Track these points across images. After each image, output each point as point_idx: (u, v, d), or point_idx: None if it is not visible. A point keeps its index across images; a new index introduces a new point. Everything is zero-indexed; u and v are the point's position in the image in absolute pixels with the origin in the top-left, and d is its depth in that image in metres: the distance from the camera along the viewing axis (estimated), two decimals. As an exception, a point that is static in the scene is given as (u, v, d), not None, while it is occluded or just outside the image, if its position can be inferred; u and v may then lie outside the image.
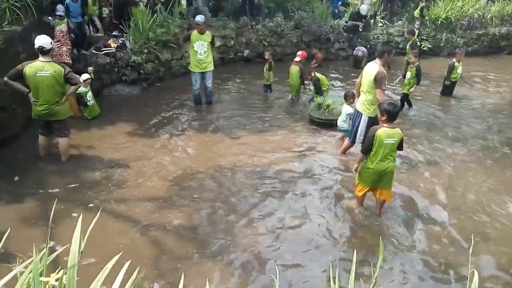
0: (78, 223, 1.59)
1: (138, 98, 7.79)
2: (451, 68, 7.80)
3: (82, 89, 6.27)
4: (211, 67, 7.26)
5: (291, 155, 5.84)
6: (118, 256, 1.59)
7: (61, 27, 6.81)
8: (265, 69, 8.04)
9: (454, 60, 7.87)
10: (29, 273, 1.43)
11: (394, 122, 4.10)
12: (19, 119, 5.82)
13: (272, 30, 10.35)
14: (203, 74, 7.23)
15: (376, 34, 11.38)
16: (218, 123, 6.90)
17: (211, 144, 6.14)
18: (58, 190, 4.72)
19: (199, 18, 6.90)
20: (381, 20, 11.94)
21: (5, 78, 4.83)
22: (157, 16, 8.58)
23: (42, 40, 4.81)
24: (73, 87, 5.11)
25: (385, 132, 4.04)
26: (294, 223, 4.36)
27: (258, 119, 7.13)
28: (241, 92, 8.51)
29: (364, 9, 11.01)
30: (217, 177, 5.21)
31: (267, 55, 8.08)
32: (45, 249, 1.51)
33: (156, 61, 8.41)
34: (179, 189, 4.92)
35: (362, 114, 5.22)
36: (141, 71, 8.02)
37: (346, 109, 5.99)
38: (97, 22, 9.26)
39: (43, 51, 4.82)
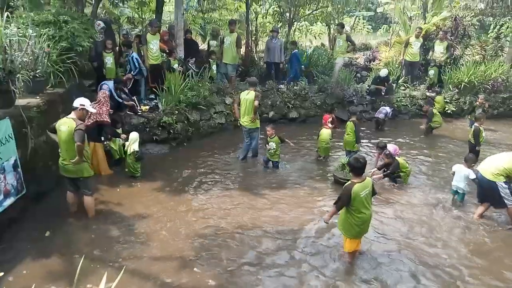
0: (102, 283, 1.65)
1: (167, 157, 8.06)
2: (477, 133, 7.74)
3: (136, 146, 6.81)
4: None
5: (314, 216, 5.81)
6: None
7: (105, 90, 7.32)
8: (273, 144, 7.38)
9: (476, 124, 7.84)
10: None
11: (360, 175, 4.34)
12: (53, 176, 6.12)
13: (296, 93, 10.75)
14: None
15: (399, 97, 11.58)
16: (243, 181, 7.02)
17: (235, 202, 6.19)
18: (85, 246, 4.82)
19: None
20: (404, 84, 12.20)
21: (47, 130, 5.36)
22: (189, 80, 9.13)
23: (76, 100, 5.31)
24: (77, 150, 5.10)
25: (358, 187, 4.26)
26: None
27: (282, 178, 7.22)
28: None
29: (384, 72, 11.35)
30: (240, 237, 5.21)
31: (269, 130, 7.46)
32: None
33: (186, 122, 8.79)
34: (202, 248, 4.93)
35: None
36: (171, 131, 8.38)
37: (465, 171, 6.05)
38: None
39: (72, 109, 5.29)
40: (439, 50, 12.27)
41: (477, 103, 10.61)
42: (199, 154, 8.19)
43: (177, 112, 8.57)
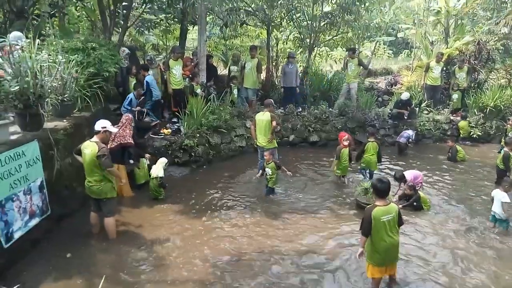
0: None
1: (188, 180, 8.11)
2: (507, 158, 7.48)
3: (161, 172, 6.92)
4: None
5: (336, 241, 5.67)
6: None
7: (130, 115, 7.50)
8: (269, 170, 7.22)
9: (506, 149, 7.59)
10: None
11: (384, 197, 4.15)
12: (77, 197, 6.23)
13: (317, 116, 10.75)
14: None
15: (422, 122, 11.40)
16: (262, 205, 6.95)
17: (255, 226, 6.12)
18: (105, 268, 4.83)
19: None
20: (427, 108, 12.03)
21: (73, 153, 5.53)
22: (210, 104, 9.27)
23: (97, 123, 5.44)
24: (113, 174, 5.44)
25: (379, 211, 4.05)
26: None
27: (303, 202, 7.11)
28: (286, 174, 8.59)
29: (405, 95, 11.25)
30: (261, 262, 5.11)
31: (267, 155, 7.30)
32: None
33: (207, 145, 8.89)
34: (221, 273, 4.85)
35: None
36: (192, 154, 8.47)
37: (500, 195, 5.91)
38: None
39: (95, 132, 5.41)
40: (461, 77, 12.17)
41: (508, 125, 10.38)
42: (220, 177, 8.20)
43: (198, 135, 8.69)
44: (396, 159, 9.84)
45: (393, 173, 7.99)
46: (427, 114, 11.85)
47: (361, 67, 11.45)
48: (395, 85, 14.75)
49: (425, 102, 12.09)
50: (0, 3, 10.19)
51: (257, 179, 8.11)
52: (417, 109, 11.77)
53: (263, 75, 12.90)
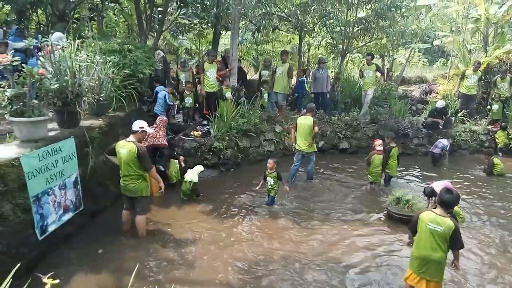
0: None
1: (216, 182, 8.15)
2: None
3: (195, 177, 7.00)
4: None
5: (364, 252, 5.51)
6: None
7: (164, 117, 7.65)
8: (271, 180, 6.88)
9: None
10: None
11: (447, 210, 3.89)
12: (109, 195, 6.38)
13: (347, 123, 10.58)
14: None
15: (458, 132, 11.00)
16: (290, 210, 6.87)
17: (282, 231, 6.05)
18: (133, 265, 4.87)
19: None
20: (463, 117, 11.60)
21: (105, 153, 5.58)
22: (240, 107, 9.31)
23: (135, 123, 5.55)
24: (152, 174, 5.51)
25: (428, 216, 3.83)
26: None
27: (332, 209, 6.98)
28: (316, 181, 8.49)
29: (441, 103, 10.89)
30: (286, 268, 5.03)
31: (271, 163, 6.93)
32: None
33: (236, 148, 8.91)
34: (247, 276, 4.82)
35: None
36: (221, 156, 8.52)
37: None
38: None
39: (131, 131, 5.51)
40: (503, 87, 11.67)
41: None
42: (247, 181, 8.18)
43: (227, 138, 8.73)
44: (429, 170, 9.52)
45: (425, 183, 7.74)
46: (464, 124, 11.42)
47: (378, 73, 11.28)
48: (430, 94, 14.31)
49: (462, 112, 11.66)
50: (43, 6, 10.69)
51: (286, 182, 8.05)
52: (453, 118, 11.37)
53: (293, 80, 12.85)
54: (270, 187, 6.92)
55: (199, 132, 8.79)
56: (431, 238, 3.79)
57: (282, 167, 9.01)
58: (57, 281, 1.54)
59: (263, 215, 6.66)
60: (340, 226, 6.31)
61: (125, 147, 5.35)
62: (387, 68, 15.77)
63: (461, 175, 9.14)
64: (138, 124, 5.54)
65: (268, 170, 6.93)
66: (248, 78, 12.80)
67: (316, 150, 8.21)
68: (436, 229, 3.76)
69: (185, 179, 7.08)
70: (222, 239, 5.72)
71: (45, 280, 1.62)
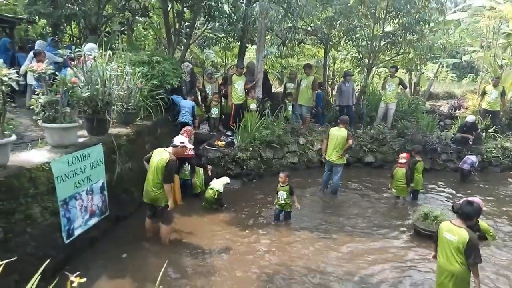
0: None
1: (239, 192, 8.15)
2: None
3: (220, 186, 6.96)
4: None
5: (390, 268, 5.35)
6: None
7: (189, 127, 7.76)
8: (283, 193, 6.57)
9: None
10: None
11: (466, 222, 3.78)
12: (134, 201, 6.47)
13: (373, 137, 10.40)
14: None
15: (489, 148, 10.63)
16: (313, 223, 6.77)
17: (304, 244, 5.96)
18: (156, 272, 4.90)
19: None
20: (495, 133, 11.21)
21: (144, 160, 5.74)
22: (264, 119, 9.34)
23: (176, 138, 5.76)
24: (167, 189, 5.38)
25: (446, 226, 3.82)
26: None
27: (357, 223, 6.84)
28: (341, 194, 8.36)
29: (471, 118, 10.59)
30: (307, 280, 4.95)
31: (283, 176, 6.65)
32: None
33: (259, 159, 8.91)
34: (268, 285, 4.76)
35: None
36: (244, 167, 8.53)
37: None
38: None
39: (171, 144, 5.63)
40: None
41: None
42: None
43: (251, 149, 8.75)
44: (458, 186, 9.21)
45: (453, 199, 7.49)
46: (495, 140, 11.03)
47: (401, 86, 11.08)
48: (458, 109, 13.95)
49: (493, 128, 11.28)
50: (77, 20, 11.16)
51: (309, 195, 7.98)
52: (483, 134, 11.01)
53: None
54: (283, 202, 6.61)
55: (223, 142, 8.86)
56: (446, 248, 3.78)
57: (306, 179, 9.01)
58: (84, 279, 1.57)
59: (285, 227, 6.59)
60: (364, 240, 6.16)
61: (160, 155, 5.43)
62: (414, 83, 15.54)
63: (492, 193, 8.80)
64: (179, 139, 5.69)
65: (280, 184, 6.66)
66: (273, 90, 12.85)
67: (345, 162, 8.19)
68: (451, 239, 3.73)
69: (210, 186, 7.07)
70: (244, 250, 5.68)
71: (72, 278, 1.65)
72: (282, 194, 6.58)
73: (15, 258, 3.45)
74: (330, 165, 8.10)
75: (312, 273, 5.12)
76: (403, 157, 7.70)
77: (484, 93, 11.68)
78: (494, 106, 11.51)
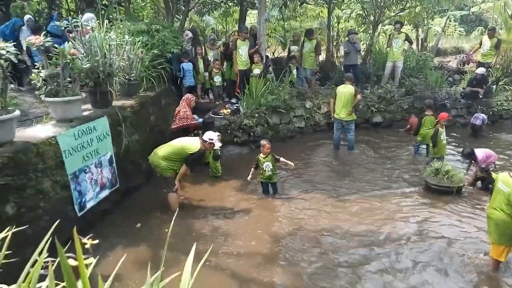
0: (191, 253, 1.60)
1: (246, 159, 8.10)
2: None
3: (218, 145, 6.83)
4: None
5: (401, 225, 5.37)
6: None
7: (189, 95, 7.68)
8: (269, 164, 6.09)
9: None
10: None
11: None
12: (143, 172, 6.50)
13: (381, 96, 10.20)
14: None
15: (499, 101, 10.41)
16: (325, 185, 6.77)
17: (317, 205, 5.98)
18: (169, 237, 4.98)
19: None
20: (506, 86, 10.93)
21: None
22: (269, 84, 9.17)
23: (206, 133, 5.86)
24: (183, 170, 5.63)
25: (503, 176, 3.91)
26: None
27: (368, 184, 6.82)
28: (350, 156, 8.32)
29: (481, 70, 10.30)
30: (322, 241, 4.99)
31: (267, 145, 6.10)
32: (158, 272, 1.53)
33: (265, 125, 8.83)
34: (282, 249, 4.81)
35: None
36: (251, 134, 8.47)
37: None
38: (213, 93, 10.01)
39: (201, 139, 5.79)
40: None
41: None
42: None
43: (257, 115, 8.64)
44: (468, 141, 9.09)
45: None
46: (506, 93, 10.77)
47: (407, 42, 10.71)
48: (467, 64, 13.57)
49: (504, 80, 10.99)
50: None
51: (317, 158, 7.94)
52: (494, 87, 10.74)
53: (322, 56, 12.54)
54: (270, 172, 6.12)
55: (229, 110, 8.75)
56: (497, 197, 3.94)
57: (314, 143, 8.94)
58: (96, 241, 1.54)
59: (294, 190, 6.59)
60: (375, 199, 6.15)
61: (189, 141, 5.69)
62: (421, 38, 15.08)
63: (503, 147, 8.67)
64: (209, 136, 5.76)
65: (262, 155, 6.12)
66: (275, 55, 12.58)
67: (355, 118, 8.26)
68: (503, 189, 3.86)
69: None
70: (255, 214, 5.72)
71: (84, 240, 1.62)
72: (268, 165, 6.08)
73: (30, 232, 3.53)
74: (340, 123, 8.21)
75: (324, 232, 5.16)
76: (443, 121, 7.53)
77: (480, 44, 11.26)
78: (485, 58, 11.06)
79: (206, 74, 9.34)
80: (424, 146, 8.06)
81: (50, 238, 1.55)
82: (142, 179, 6.53)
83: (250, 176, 6.27)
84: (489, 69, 10.95)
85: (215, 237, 5.04)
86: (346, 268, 4.40)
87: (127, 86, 6.43)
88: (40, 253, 1.52)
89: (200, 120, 7.70)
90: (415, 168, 7.41)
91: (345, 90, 7.99)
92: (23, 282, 1.45)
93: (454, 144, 8.96)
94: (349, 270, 4.37)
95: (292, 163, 6.28)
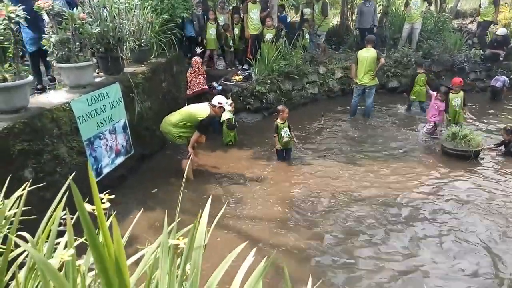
0: (206, 207, 1.57)
1: (260, 126, 8.08)
2: None
3: (229, 114, 6.75)
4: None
5: (418, 189, 5.32)
6: (244, 244, 1.53)
7: (197, 58, 7.57)
8: (287, 130, 6.11)
9: None
10: (157, 249, 1.46)
11: None
12: (157, 139, 6.51)
13: (397, 60, 9.90)
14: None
15: (521, 63, 10.02)
16: (339, 150, 6.72)
17: (331, 171, 5.95)
18: (183, 204, 5.04)
19: None
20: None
21: None
22: (281, 49, 8.96)
23: (215, 98, 5.75)
24: (195, 136, 5.59)
25: None
26: (420, 255, 3.87)
27: (383, 146, 6.78)
28: (366, 122, 8.19)
29: (502, 31, 9.86)
30: (337, 205, 4.99)
31: (285, 111, 6.09)
32: (174, 223, 1.51)
33: (278, 91, 8.70)
34: (297, 213, 4.83)
35: None
36: (264, 101, 8.37)
37: None
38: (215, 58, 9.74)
39: (210, 103, 5.68)
40: None
41: None
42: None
43: (269, 81, 8.51)
44: (488, 106, 8.84)
45: (483, 123, 7.24)
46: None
47: (427, 2, 10.24)
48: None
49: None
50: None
51: (330, 124, 7.84)
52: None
53: (336, 20, 12.16)
54: (288, 138, 6.11)
55: (241, 77, 8.61)
56: None
57: (328, 109, 8.82)
58: (112, 196, 1.53)
59: (309, 156, 6.56)
60: (391, 165, 6.10)
61: (199, 108, 5.60)
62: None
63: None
64: (218, 100, 5.67)
65: (279, 121, 6.08)
66: (288, 20, 12.21)
67: (378, 83, 8.13)
68: None
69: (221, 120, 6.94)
70: (269, 179, 5.74)
71: (101, 195, 1.61)
72: (286, 131, 6.09)
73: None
74: (362, 89, 8.05)
75: (339, 196, 5.16)
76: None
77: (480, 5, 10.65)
78: (483, 17, 10.56)
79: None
80: (417, 103, 8.35)
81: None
82: (157, 146, 6.55)
83: (276, 145, 6.17)
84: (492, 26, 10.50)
85: (229, 202, 5.08)
86: (360, 232, 4.41)
87: (138, 52, 6.34)
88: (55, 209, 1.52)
89: (220, 87, 7.63)
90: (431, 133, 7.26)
91: (367, 54, 7.79)
92: (42, 234, 1.46)
93: (473, 110, 8.72)
94: (363, 232, 4.38)
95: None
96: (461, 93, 7.06)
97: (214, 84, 7.55)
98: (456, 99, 7.02)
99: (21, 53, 4.35)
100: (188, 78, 7.72)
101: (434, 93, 7.12)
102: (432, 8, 13.38)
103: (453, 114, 7.07)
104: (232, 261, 1.35)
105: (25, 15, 3.88)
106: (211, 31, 8.98)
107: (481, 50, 10.12)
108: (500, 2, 10.51)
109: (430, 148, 6.65)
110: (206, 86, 7.25)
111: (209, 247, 1.63)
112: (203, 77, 7.35)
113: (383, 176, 5.72)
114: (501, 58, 9.89)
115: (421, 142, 6.97)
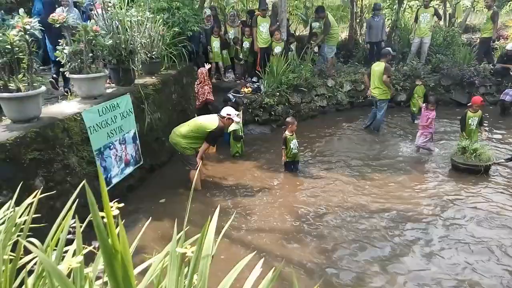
0: (214, 217, 1.58)
1: (268, 138, 8.10)
2: None
3: (235, 126, 6.68)
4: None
5: (428, 203, 5.26)
6: (251, 255, 1.53)
7: (202, 69, 7.66)
8: (295, 142, 6.21)
9: None
10: (164, 258, 1.47)
11: None
12: (166, 150, 6.56)
13: (406, 74, 9.90)
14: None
15: (532, 78, 9.93)
16: (347, 163, 6.69)
17: (340, 183, 5.93)
18: (191, 215, 5.04)
19: None
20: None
21: None
22: (290, 62, 9.02)
23: (224, 109, 5.76)
24: (204, 147, 5.62)
25: None
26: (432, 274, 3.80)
27: (392, 160, 6.74)
28: (373, 133, 8.17)
29: (511, 46, 9.82)
30: (345, 218, 4.95)
31: (294, 123, 6.14)
32: (182, 232, 1.52)
33: (287, 104, 8.74)
34: (304, 225, 4.80)
35: None
36: (272, 113, 8.41)
37: None
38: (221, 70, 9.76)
39: (219, 115, 5.69)
40: None
41: None
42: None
43: (278, 94, 8.55)
44: (497, 120, 8.77)
45: (494, 136, 7.16)
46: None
47: (436, 17, 10.29)
48: (498, 40, 12.97)
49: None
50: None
51: (337, 136, 7.83)
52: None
53: (344, 34, 12.23)
54: (296, 150, 6.17)
55: (250, 89, 8.68)
56: None
57: (335, 122, 8.81)
58: (121, 204, 1.55)
59: (317, 168, 6.54)
60: (400, 178, 6.05)
61: (208, 119, 5.60)
62: (449, 14, 14.45)
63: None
64: (226, 111, 5.68)
65: (288, 133, 6.12)
66: (297, 33, 12.33)
67: (388, 98, 8.03)
68: None
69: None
70: (275, 192, 5.73)
71: (110, 203, 1.63)
72: (295, 143, 6.16)
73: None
74: (375, 100, 8.15)
75: (346, 210, 5.12)
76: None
77: None
78: (482, 33, 10.69)
79: (225, 52, 9.27)
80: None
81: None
82: (166, 157, 6.60)
83: (283, 158, 6.21)
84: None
85: (236, 214, 5.07)
86: (368, 246, 4.36)
87: (149, 64, 6.43)
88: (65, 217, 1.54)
89: (233, 99, 7.70)
90: (442, 147, 7.20)
91: (377, 68, 7.88)
92: (51, 241, 1.47)
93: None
94: (371, 246, 4.33)
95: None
96: (479, 112, 6.72)
97: (230, 96, 7.64)
98: (474, 118, 6.72)
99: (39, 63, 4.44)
100: (195, 89, 7.82)
101: (424, 105, 7.01)
102: (441, 22, 13.43)
103: (469, 132, 6.79)
104: (239, 272, 1.35)
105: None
106: (214, 44, 9.08)
107: (490, 65, 10.09)
108: (498, 19, 10.50)
109: (439, 162, 6.59)
110: (211, 97, 7.31)
111: (216, 258, 1.63)
112: (209, 87, 7.43)
113: (392, 189, 5.67)
114: (511, 73, 9.83)
115: (415, 154, 7.01)
